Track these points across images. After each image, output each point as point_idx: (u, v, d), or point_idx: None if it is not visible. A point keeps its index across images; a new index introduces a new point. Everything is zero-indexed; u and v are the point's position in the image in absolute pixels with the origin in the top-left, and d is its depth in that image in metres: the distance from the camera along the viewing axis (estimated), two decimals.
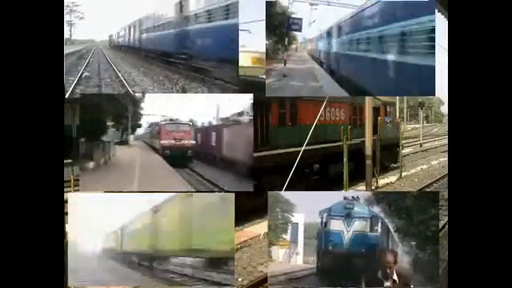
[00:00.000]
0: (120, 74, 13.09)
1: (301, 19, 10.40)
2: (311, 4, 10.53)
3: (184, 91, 10.04)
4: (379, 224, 4.77)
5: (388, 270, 3.60)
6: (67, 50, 14.92)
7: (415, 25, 7.18)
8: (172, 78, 11.93)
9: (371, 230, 4.75)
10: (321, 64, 14.21)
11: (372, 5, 9.24)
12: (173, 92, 10.36)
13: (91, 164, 9.17)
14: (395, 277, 3.63)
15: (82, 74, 12.81)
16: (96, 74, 13.42)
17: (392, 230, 4.63)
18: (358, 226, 4.74)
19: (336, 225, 4.75)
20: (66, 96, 9.91)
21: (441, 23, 8.01)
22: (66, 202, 6.43)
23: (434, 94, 7.34)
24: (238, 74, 8.90)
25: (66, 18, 14.03)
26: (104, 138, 10.82)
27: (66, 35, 14.26)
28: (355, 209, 4.81)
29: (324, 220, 4.87)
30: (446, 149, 7.43)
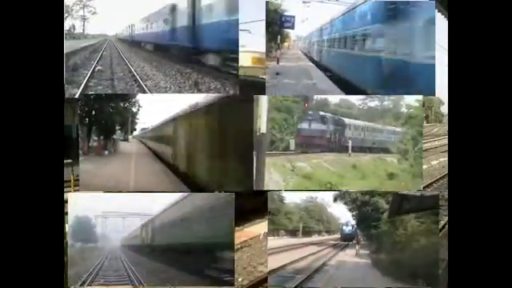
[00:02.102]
0: (133, 69, 13.11)
1: (293, 17, 10.32)
2: (304, 1, 10.45)
3: (197, 86, 9.98)
4: (355, 227, 9.77)
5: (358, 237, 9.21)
6: (80, 44, 14.94)
7: (412, 23, 7.19)
8: (184, 72, 11.92)
9: (352, 229, 10.04)
10: (314, 62, 14.25)
11: (365, 2, 9.24)
12: (185, 86, 10.34)
13: (106, 152, 14.30)
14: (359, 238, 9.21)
15: (94, 68, 12.85)
16: (108, 68, 13.49)
17: (358, 230, 9.59)
18: (349, 228, 10.10)
19: (345, 228, 10.24)
20: (80, 89, 9.91)
21: (441, 23, 8.02)
22: (66, 201, 6.44)
23: (434, 94, 7.35)
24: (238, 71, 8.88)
25: (80, 13, 14.15)
26: (114, 137, 15.52)
27: (79, 30, 14.37)
28: (349, 223, 10.09)
29: (343, 225, 10.29)
30: (446, 149, 7.51)
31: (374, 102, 15.26)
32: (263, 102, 7.62)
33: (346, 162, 11.73)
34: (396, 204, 6.84)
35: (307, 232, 10.18)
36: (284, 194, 8.89)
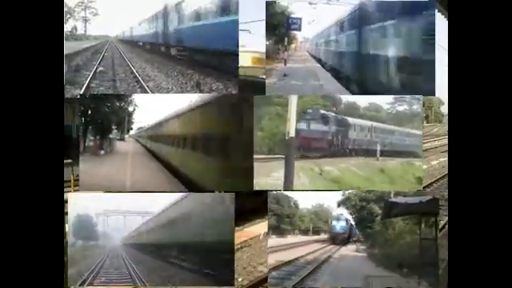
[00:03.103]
0: (134, 70, 13.13)
1: (300, 18, 10.34)
2: (310, 3, 10.47)
3: (198, 86, 9.99)
4: (349, 222, 10.81)
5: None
6: (82, 45, 14.99)
7: (414, 22, 7.19)
8: (186, 73, 11.93)
9: (347, 224, 11.13)
10: (321, 62, 14.16)
11: (368, 3, 9.23)
12: (187, 87, 10.36)
13: (102, 152, 14.30)
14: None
15: (96, 69, 12.87)
16: (110, 69, 13.51)
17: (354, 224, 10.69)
18: (341, 224, 11.19)
19: (335, 223, 11.30)
20: (82, 90, 9.93)
21: (441, 23, 8.01)
22: (66, 201, 6.44)
23: (434, 94, 7.35)
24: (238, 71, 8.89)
25: (81, 14, 14.24)
26: (110, 136, 15.58)
27: (81, 31, 14.45)
28: (341, 217, 11.04)
29: (333, 220, 11.28)
30: (446, 149, 7.59)
31: (402, 106, 15.06)
32: (293, 106, 7.48)
33: (374, 166, 11.84)
34: (387, 209, 7.71)
35: (316, 231, 11.83)
36: (297, 200, 10.48)
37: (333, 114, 13.12)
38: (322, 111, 12.96)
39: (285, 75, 10.26)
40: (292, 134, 7.41)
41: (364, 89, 9.43)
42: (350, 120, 13.75)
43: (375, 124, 14.52)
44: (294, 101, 7.59)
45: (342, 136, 13.13)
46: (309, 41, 15.68)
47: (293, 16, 10.35)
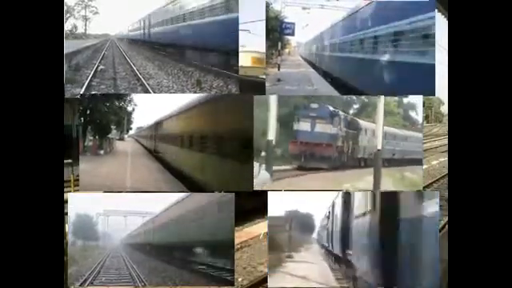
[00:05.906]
0: (135, 68, 13.16)
1: (293, 23, 10.34)
2: (304, 8, 10.44)
3: (199, 84, 9.99)
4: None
5: None
6: (82, 44, 15.03)
7: (411, 24, 7.19)
8: (187, 70, 11.96)
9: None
10: (315, 67, 14.10)
11: (365, 6, 9.23)
12: (187, 85, 10.37)
13: (101, 151, 14.31)
14: None
15: (97, 68, 12.91)
16: (111, 67, 13.55)
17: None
18: None
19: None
20: (83, 89, 9.94)
21: (441, 23, 8.02)
22: (66, 202, 6.44)
23: (434, 94, 7.36)
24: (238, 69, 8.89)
25: (81, 13, 14.28)
26: (109, 136, 15.64)
27: (81, 30, 14.50)
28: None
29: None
30: (446, 149, 7.48)
31: None
32: (379, 118, 7.34)
33: None
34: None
35: None
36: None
37: (343, 113, 11.07)
38: (331, 108, 10.67)
39: (279, 80, 10.19)
40: (379, 146, 7.23)
41: (360, 92, 9.42)
42: (361, 123, 11.90)
43: (387, 129, 12.72)
44: (380, 108, 7.34)
45: (352, 142, 10.99)
46: (303, 45, 15.65)
47: (286, 21, 10.36)
